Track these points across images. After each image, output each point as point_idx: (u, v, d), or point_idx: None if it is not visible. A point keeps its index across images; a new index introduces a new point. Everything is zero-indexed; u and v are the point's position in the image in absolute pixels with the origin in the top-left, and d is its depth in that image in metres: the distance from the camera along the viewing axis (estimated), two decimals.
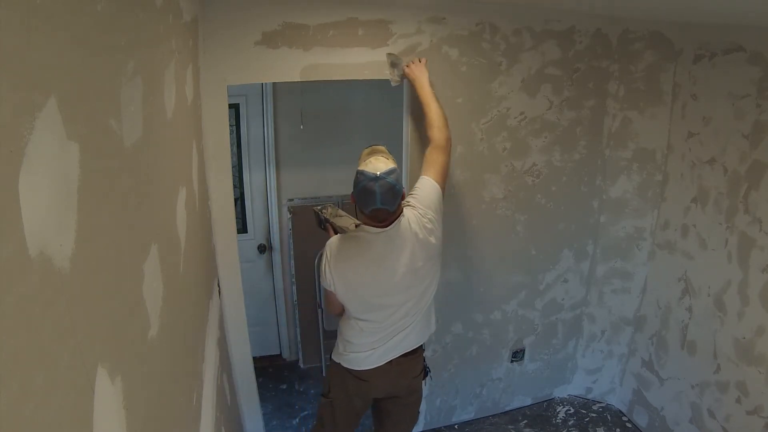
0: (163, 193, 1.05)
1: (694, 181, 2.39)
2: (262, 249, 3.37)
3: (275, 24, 1.94)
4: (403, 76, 2.11)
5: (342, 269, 1.77)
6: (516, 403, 3.09)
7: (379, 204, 1.65)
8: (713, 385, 2.33)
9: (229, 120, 2.32)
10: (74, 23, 0.56)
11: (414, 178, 2.34)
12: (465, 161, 2.40)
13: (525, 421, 2.99)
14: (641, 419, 2.87)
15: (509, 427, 2.95)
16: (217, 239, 2.09)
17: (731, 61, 2.15)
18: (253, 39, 1.93)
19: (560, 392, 3.19)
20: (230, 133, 2.76)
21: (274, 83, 2.99)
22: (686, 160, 2.44)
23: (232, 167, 2.21)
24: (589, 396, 3.16)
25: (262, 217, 3.32)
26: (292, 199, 3.22)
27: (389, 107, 3.06)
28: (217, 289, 2.06)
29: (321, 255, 1.91)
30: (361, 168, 1.69)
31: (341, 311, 1.93)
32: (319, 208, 2.12)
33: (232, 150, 2.92)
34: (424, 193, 1.82)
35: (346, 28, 2.03)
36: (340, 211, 2.11)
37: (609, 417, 3.00)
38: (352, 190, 1.73)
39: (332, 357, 1.99)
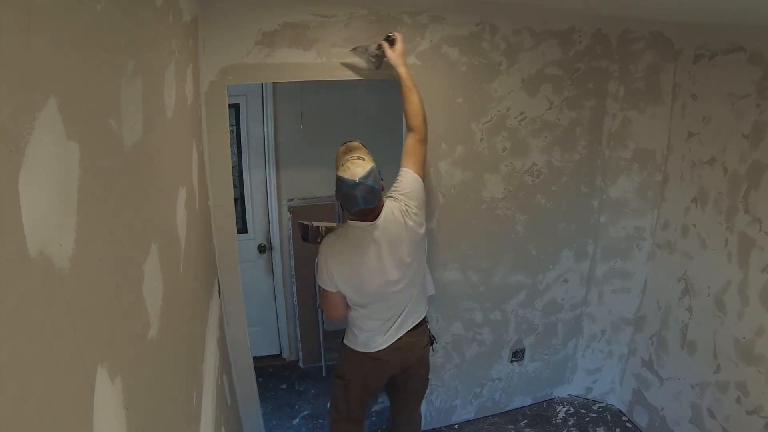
0: (163, 193, 1.05)
1: (694, 181, 2.39)
2: (262, 249, 3.37)
3: (275, 24, 1.94)
4: (382, 57, 2.01)
5: (338, 264, 1.87)
6: (516, 403, 3.09)
7: (362, 205, 1.78)
8: (713, 385, 2.33)
9: (229, 120, 2.32)
10: (74, 23, 0.56)
11: None
12: (465, 161, 2.40)
13: (525, 421, 2.99)
14: (641, 419, 2.87)
15: (509, 427, 2.95)
16: (217, 239, 2.09)
17: (731, 61, 2.15)
18: (253, 39, 1.93)
19: (560, 392, 3.19)
20: (230, 133, 2.76)
21: (274, 83, 2.99)
22: (686, 160, 2.44)
23: (232, 167, 2.21)
24: (589, 396, 3.16)
25: (262, 217, 3.32)
26: (292, 199, 3.22)
27: (389, 107, 3.06)
28: (217, 289, 2.06)
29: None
30: (339, 174, 1.78)
31: (341, 315, 2.01)
32: (306, 222, 2.21)
33: (232, 150, 2.92)
34: (405, 184, 1.91)
35: (345, 28, 2.03)
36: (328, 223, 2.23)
37: (609, 417, 3.00)
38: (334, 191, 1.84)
39: (345, 342, 2.09)
